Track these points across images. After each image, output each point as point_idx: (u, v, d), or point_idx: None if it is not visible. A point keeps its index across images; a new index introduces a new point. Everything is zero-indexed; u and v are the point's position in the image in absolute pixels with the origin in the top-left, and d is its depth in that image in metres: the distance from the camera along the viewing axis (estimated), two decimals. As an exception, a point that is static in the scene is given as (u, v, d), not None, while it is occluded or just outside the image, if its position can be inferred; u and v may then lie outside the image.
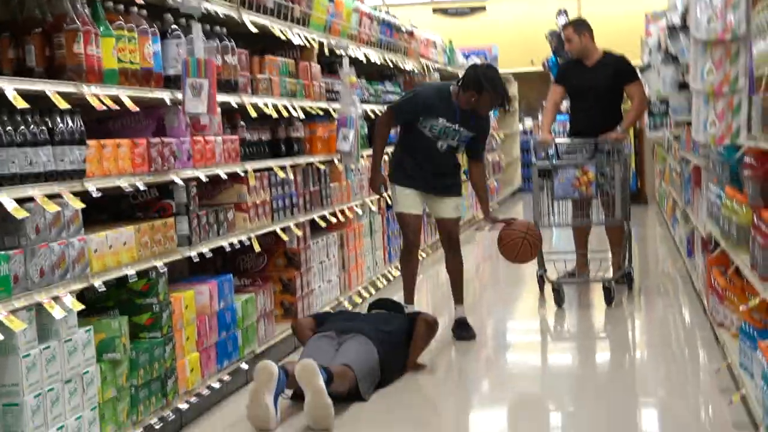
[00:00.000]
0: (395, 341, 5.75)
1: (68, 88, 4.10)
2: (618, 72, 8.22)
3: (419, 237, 7.27)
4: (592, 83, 8.18)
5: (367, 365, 5.39)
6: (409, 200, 6.83)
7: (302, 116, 7.06)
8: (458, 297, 7.10)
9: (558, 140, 8.15)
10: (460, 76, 6.79)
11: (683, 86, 9.41)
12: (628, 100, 8.59)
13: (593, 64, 8.24)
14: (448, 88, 6.89)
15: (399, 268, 7.72)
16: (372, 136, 7.08)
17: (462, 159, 7.57)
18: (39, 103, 3.93)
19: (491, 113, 9.37)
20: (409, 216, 6.89)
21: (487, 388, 5.94)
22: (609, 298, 7.69)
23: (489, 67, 7.31)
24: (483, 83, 6.60)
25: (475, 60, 15.04)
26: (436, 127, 6.69)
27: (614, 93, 8.28)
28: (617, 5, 18.98)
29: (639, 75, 8.43)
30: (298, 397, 5.07)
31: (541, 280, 7.95)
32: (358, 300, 8.07)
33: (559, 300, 7.72)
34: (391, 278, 9.14)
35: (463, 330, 6.81)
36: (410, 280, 7.10)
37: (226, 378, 5.48)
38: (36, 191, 3.83)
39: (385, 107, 7.71)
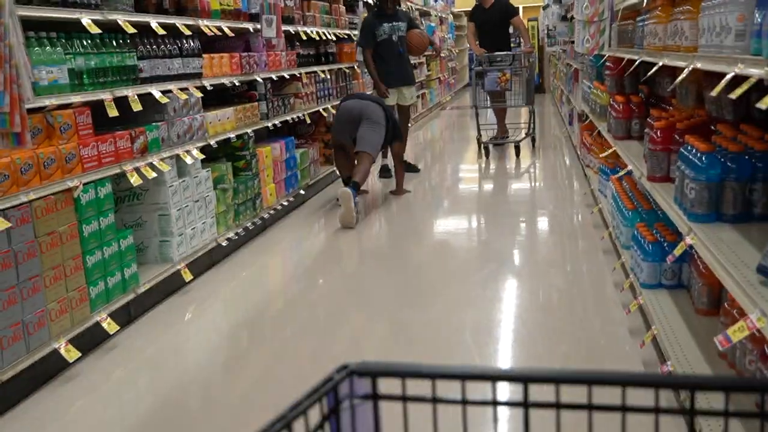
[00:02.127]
0: (388, 124, 5.50)
1: (190, 21, 3.98)
2: (503, 11, 7.89)
3: None
4: (488, 18, 7.89)
5: (377, 147, 5.36)
6: (392, 95, 6.45)
7: (334, 39, 6.86)
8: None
9: (489, 54, 7.87)
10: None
11: (564, 18, 9.14)
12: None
13: (488, 7, 7.91)
14: (373, 11, 6.68)
15: None
16: (367, 65, 6.69)
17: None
18: (172, 31, 3.82)
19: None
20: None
21: (446, 203, 5.97)
22: (517, 152, 7.64)
23: None
24: None
25: (441, 2, 14.47)
26: (386, 30, 6.36)
27: (503, 25, 7.95)
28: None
29: (518, 11, 8.01)
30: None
31: (478, 141, 7.85)
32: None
33: (487, 153, 7.64)
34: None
35: (410, 169, 6.66)
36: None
37: (291, 199, 5.50)
38: (173, 86, 3.77)
39: (357, 48, 7.00)
